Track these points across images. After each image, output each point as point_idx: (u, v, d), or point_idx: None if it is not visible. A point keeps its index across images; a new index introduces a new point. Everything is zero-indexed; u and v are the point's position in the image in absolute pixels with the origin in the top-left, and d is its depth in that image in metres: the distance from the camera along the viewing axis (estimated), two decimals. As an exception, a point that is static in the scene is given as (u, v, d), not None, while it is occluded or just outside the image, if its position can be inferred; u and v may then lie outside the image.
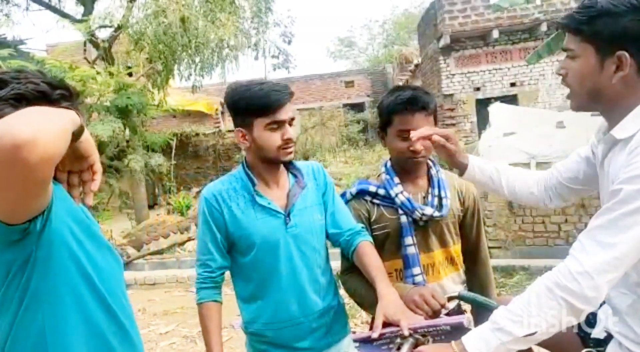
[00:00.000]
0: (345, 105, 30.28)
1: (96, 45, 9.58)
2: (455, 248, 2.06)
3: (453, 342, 1.41)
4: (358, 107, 29.97)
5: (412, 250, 1.95)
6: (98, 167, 1.24)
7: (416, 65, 20.65)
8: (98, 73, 8.33)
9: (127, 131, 8.92)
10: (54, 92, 1.23)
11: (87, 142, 1.20)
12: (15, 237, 1.13)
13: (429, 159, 2.08)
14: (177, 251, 8.95)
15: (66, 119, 1.07)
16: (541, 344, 1.83)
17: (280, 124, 1.80)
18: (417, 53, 22.17)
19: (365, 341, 1.65)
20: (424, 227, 1.99)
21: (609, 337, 1.56)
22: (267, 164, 1.87)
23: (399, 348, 1.56)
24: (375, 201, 2.01)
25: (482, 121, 12.64)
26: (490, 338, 1.36)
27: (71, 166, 1.22)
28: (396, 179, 2.01)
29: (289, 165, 1.96)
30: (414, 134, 1.80)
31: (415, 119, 1.90)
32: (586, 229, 1.36)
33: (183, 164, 16.65)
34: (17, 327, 1.19)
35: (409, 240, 1.95)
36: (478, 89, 14.71)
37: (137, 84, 9.20)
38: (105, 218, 8.98)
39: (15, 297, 1.18)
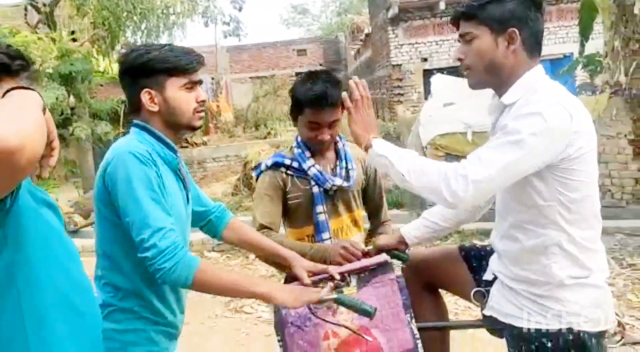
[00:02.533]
0: (297, 74, 30.20)
1: (37, 10, 9.28)
2: (359, 212, 2.32)
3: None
4: (310, 76, 30.00)
5: (322, 217, 2.17)
6: (56, 143, 1.23)
7: (367, 35, 20.79)
8: (40, 39, 8.12)
9: (72, 99, 8.75)
10: (13, 63, 1.22)
11: (49, 120, 1.19)
12: None
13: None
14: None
15: (37, 108, 1.09)
16: (443, 286, 2.12)
17: (195, 85, 1.72)
18: (368, 22, 22.27)
19: None
20: (333, 196, 2.22)
21: (495, 278, 1.84)
22: (174, 131, 1.74)
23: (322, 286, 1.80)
24: (289, 172, 2.19)
25: (429, 91, 13.01)
26: (390, 151, 1.72)
27: None
28: (307, 154, 2.19)
29: None
30: None
31: (324, 114, 2.08)
32: (480, 147, 1.64)
33: (131, 132, 16.41)
34: None
35: (320, 208, 2.16)
36: (425, 59, 15.04)
37: (81, 50, 9.00)
38: (51, 187, 8.87)
39: None
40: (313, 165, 2.17)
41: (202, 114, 1.75)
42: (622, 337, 1.88)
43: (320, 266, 1.91)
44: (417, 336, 1.91)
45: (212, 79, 25.90)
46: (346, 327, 1.80)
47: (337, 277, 1.85)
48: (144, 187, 1.55)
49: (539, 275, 1.66)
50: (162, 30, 10.60)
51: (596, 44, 9.24)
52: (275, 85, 23.58)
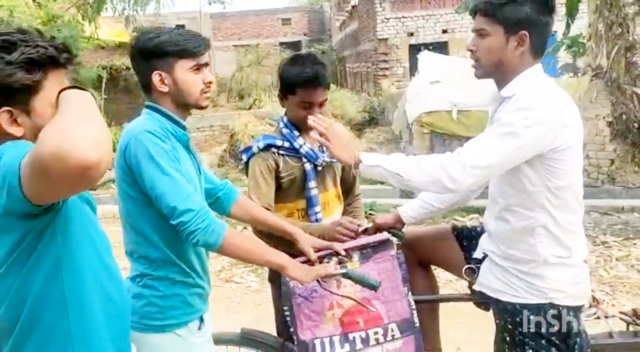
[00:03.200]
0: (281, 43, 29.95)
1: (21, -28, 9.11)
2: (339, 187, 2.48)
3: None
4: (294, 46, 29.69)
5: (315, 191, 2.30)
6: None
7: (353, 7, 20.65)
8: (26, 3, 7.99)
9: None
10: (60, 56, 1.26)
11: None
12: (35, 212, 1.18)
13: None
14: (112, 187, 9.02)
15: (99, 114, 1.13)
16: (436, 263, 2.30)
17: (202, 68, 1.81)
18: (355, -7, 22.08)
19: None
20: (322, 172, 2.34)
21: (485, 256, 2.01)
22: (183, 110, 1.84)
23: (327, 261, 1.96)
24: (281, 152, 2.28)
25: (415, 66, 13.11)
26: (379, 160, 1.85)
27: None
28: (296, 132, 2.29)
29: None
30: None
31: (316, 93, 2.20)
32: (477, 137, 1.81)
33: (114, 99, 16.17)
34: (41, 289, 1.27)
35: (312, 183, 2.29)
36: (412, 34, 15.09)
37: (66, 15, 8.87)
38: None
39: (27, 263, 1.25)
40: (304, 143, 2.28)
41: (209, 94, 1.84)
42: (597, 311, 2.08)
43: (325, 242, 2.06)
44: (414, 306, 2.09)
45: (195, 46, 25.53)
46: (351, 299, 1.97)
47: (342, 253, 2.01)
48: (166, 160, 1.66)
49: (525, 253, 1.83)
50: (150, -3, 10.50)
51: (580, 24, 9.40)
52: (259, 55, 23.37)
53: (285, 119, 2.34)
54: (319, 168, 2.32)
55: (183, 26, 28.52)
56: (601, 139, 7.08)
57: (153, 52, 1.75)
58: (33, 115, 1.25)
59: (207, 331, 1.88)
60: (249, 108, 14.92)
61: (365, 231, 2.21)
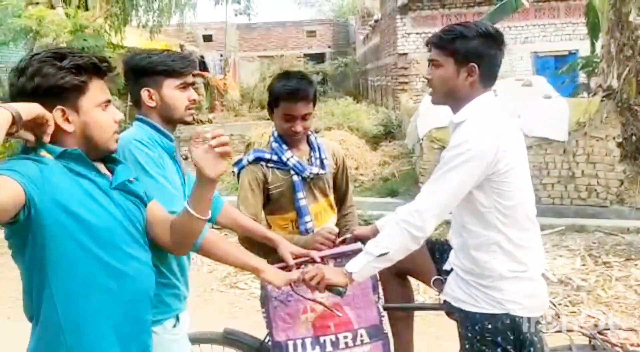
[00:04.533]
0: (306, 55, 30.24)
1: (53, -16, 9.51)
2: (332, 196, 2.61)
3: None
4: (319, 58, 30.00)
5: (303, 202, 2.42)
6: (48, 115, 1.39)
7: (376, 21, 20.85)
8: (53, 10, 8.35)
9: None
10: (102, 65, 1.48)
11: (29, 112, 1.33)
12: (10, 228, 1.41)
13: None
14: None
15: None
16: (410, 273, 2.43)
17: (188, 86, 2.00)
18: (379, 7, 22.29)
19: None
20: (310, 183, 2.46)
21: (452, 269, 2.14)
22: (169, 124, 2.02)
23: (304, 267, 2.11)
24: (269, 165, 2.41)
25: (433, 82, 13.18)
26: (361, 259, 1.99)
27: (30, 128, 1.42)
28: (285, 146, 2.41)
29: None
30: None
31: (297, 107, 2.33)
32: (427, 181, 1.96)
33: (139, 106, 16.62)
34: (38, 285, 1.45)
35: (301, 195, 2.41)
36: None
37: (94, 26, 9.22)
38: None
39: (26, 269, 1.47)
40: (292, 156, 2.42)
41: (194, 110, 2.04)
42: (558, 325, 2.19)
43: (303, 251, 2.21)
44: (383, 314, 2.23)
45: (221, 56, 26.04)
46: (320, 304, 2.11)
47: (318, 260, 2.16)
48: (152, 166, 1.85)
49: (482, 269, 1.96)
50: (174, 10, 10.83)
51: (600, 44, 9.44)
52: (283, 66, 23.67)
53: (275, 134, 2.48)
54: (307, 180, 2.44)
55: (210, 37, 29.09)
56: (611, 160, 7.09)
57: (143, 70, 1.95)
58: (81, 113, 1.46)
59: (182, 329, 2.01)
60: (269, 119, 15.13)
61: (344, 241, 2.36)
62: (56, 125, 1.43)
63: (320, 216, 2.52)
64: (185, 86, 1.99)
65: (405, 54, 15.22)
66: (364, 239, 2.36)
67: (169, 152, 1.99)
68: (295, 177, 2.42)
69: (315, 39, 32.06)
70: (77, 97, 1.45)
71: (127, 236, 1.55)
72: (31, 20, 8.02)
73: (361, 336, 2.19)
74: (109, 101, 1.53)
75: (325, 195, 2.55)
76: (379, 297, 2.25)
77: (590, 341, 2.20)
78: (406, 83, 15.32)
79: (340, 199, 2.69)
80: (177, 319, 1.98)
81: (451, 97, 2.00)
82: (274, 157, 2.42)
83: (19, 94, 1.42)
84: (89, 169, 1.50)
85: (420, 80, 15.09)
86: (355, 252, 2.21)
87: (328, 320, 2.19)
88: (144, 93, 1.95)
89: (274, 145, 2.44)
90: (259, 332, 2.47)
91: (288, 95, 2.33)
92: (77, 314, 1.47)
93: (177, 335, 1.97)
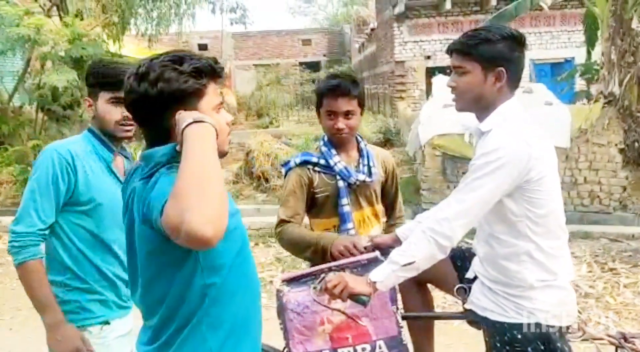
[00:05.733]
0: (301, 63, 30.33)
1: (51, -8, 9.48)
2: (379, 206, 2.56)
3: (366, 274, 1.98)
4: (314, 66, 30.04)
5: (347, 209, 2.39)
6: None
7: (372, 29, 20.92)
8: (50, 19, 8.31)
9: (81, 81, 8.96)
10: (217, 67, 1.48)
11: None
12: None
13: (357, 135, 2.54)
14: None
15: (218, 175, 1.27)
16: (431, 281, 2.38)
17: (120, 101, 1.88)
18: (374, 16, 22.39)
19: (292, 281, 2.13)
20: (356, 190, 2.42)
21: (476, 277, 2.10)
22: (106, 136, 2.03)
23: (321, 280, 2.05)
24: (316, 168, 2.40)
25: (431, 89, 13.23)
26: (386, 268, 1.93)
27: None
28: (333, 151, 2.41)
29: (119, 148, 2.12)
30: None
31: (338, 102, 2.31)
32: (455, 190, 1.92)
33: (135, 115, 16.56)
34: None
35: (345, 200, 2.39)
36: (429, 57, 15.24)
37: (91, 34, 9.18)
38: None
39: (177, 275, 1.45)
40: (339, 161, 2.40)
41: (128, 127, 2.00)
42: (584, 333, 2.14)
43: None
44: (401, 324, 2.17)
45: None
46: (342, 312, 2.06)
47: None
48: (39, 182, 1.90)
49: (512, 279, 1.92)
50: (173, 19, 10.82)
51: (598, 51, 9.50)
52: (279, 74, 23.69)
53: (325, 138, 2.47)
54: (353, 186, 2.41)
55: (205, 46, 29.12)
56: (613, 166, 7.09)
57: (87, 80, 2.02)
58: None
59: (114, 333, 2.02)
60: (266, 127, 15.10)
61: (364, 249, 2.31)
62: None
63: (364, 223, 2.49)
64: (119, 101, 1.92)
65: (403, 62, 15.27)
66: (383, 247, 2.32)
67: (105, 162, 2.02)
68: (340, 183, 2.40)
69: (310, 47, 32.15)
70: (196, 100, 1.42)
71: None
72: (29, 29, 7.96)
73: (380, 347, 2.14)
74: (221, 104, 1.51)
75: (371, 203, 2.51)
76: (397, 308, 2.19)
77: (616, 349, 2.15)
78: (404, 91, 15.36)
79: (389, 208, 2.66)
80: (107, 323, 2.00)
81: (478, 104, 1.95)
82: (322, 161, 2.42)
83: (140, 100, 1.39)
84: None
85: (418, 88, 15.14)
86: (373, 260, 2.16)
87: (346, 332, 2.13)
88: (84, 102, 2.04)
89: (323, 149, 2.44)
90: (271, 341, 2.39)
91: (329, 91, 2.34)
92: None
93: (105, 339, 1.99)
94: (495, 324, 1.97)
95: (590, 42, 9.54)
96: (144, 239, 1.40)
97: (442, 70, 12.40)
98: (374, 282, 1.93)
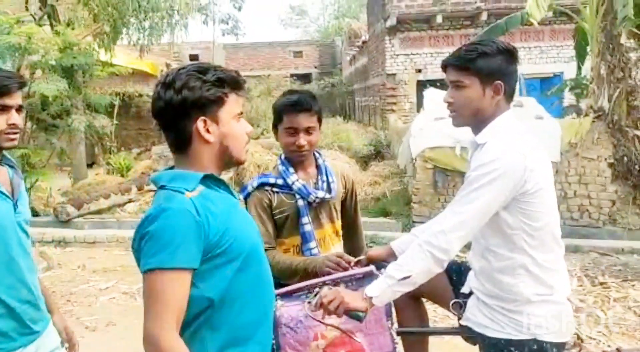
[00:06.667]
0: (292, 75, 30.37)
1: (42, 1, 9.41)
2: (339, 223, 2.51)
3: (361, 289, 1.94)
4: (305, 78, 30.10)
5: (308, 227, 2.34)
6: None
7: (364, 42, 21.03)
8: (41, 27, 8.26)
9: (71, 90, 8.90)
10: (239, 78, 1.54)
11: None
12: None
13: (316, 151, 2.47)
14: (118, 212, 9.12)
15: None
16: (425, 295, 2.35)
17: (6, 108, 1.85)
18: (366, 28, 22.51)
19: (286, 295, 2.09)
20: (316, 208, 2.37)
21: (472, 292, 2.07)
22: None
23: (315, 294, 2.01)
24: (274, 189, 2.34)
25: (422, 102, 13.29)
26: (382, 283, 1.90)
27: None
28: (291, 170, 2.34)
29: (2, 158, 1.99)
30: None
31: (300, 118, 2.26)
32: (451, 202, 1.90)
33: (125, 125, 16.49)
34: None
35: (305, 219, 2.33)
36: (420, 70, 15.33)
37: (82, 43, 9.14)
38: (44, 176, 8.98)
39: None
40: (297, 180, 2.34)
41: (13, 136, 1.90)
42: (580, 349, 2.12)
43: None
44: (396, 340, 2.14)
45: (207, 75, 25.92)
46: (337, 328, 2.02)
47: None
48: None
49: (508, 292, 1.90)
50: (165, 29, 10.80)
51: (588, 66, 9.59)
52: (270, 86, 23.67)
53: (282, 157, 2.41)
54: (313, 204, 2.36)
55: (197, 56, 29.13)
56: (602, 180, 7.14)
57: None
58: (220, 124, 1.50)
59: None
60: (257, 138, 15.07)
61: (358, 263, 2.28)
62: (198, 135, 1.48)
63: (325, 242, 2.43)
64: (2, 108, 1.85)
65: (394, 75, 15.34)
66: (378, 261, 2.30)
67: None
68: (300, 202, 2.34)
69: (301, 59, 32.23)
70: (217, 109, 1.49)
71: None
72: (20, 38, 7.90)
73: None
74: (241, 113, 1.57)
75: (332, 220, 2.46)
76: (392, 322, 2.16)
77: (612, 366, 2.15)
78: (394, 104, 15.41)
79: (348, 225, 2.58)
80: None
81: (476, 118, 1.94)
82: (279, 181, 2.35)
83: (166, 106, 1.47)
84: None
85: (409, 100, 15.20)
86: (368, 274, 2.14)
87: (340, 348, 2.09)
88: None
89: (280, 168, 2.38)
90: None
91: (290, 107, 2.29)
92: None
93: None
94: (491, 341, 1.95)
95: (580, 57, 9.64)
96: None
97: (433, 83, 12.48)
98: (370, 298, 1.89)
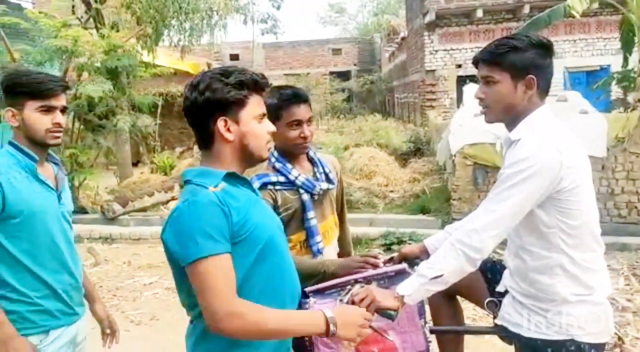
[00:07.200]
0: (331, 73, 30.42)
1: (88, 6, 9.72)
2: (336, 214, 2.50)
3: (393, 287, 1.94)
4: (344, 76, 30.10)
5: (314, 222, 2.29)
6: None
7: (402, 38, 20.86)
8: (87, 30, 8.55)
9: (116, 91, 9.17)
10: (261, 81, 1.62)
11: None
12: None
13: None
14: (162, 210, 9.34)
15: None
16: (460, 294, 2.33)
17: (51, 109, 2.01)
18: (404, 24, 22.32)
19: (318, 292, 2.10)
20: (319, 200, 2.34)
21: (507, 291, 2.04)
22: (35, 145, 2.03)
23: (348, 292, 2.02)
24: (277, 187, 2.26)
25: (462, 98, 13.09)
26: (414, 281, 1.89)
27: None
28: (289, 165, 2.28)
29: (48, 156, 2.14)
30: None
31: (302, 110, 2.24)
32: (484, 201, 1.87)
33: (168, 124, 16.85)
34: None
35: (311, 214, 2.28)
36: (460, 66, 15.11)
37: (126, 45, 9.39)
38: (92, 174, 9.29)
39: None
40: (299, 175, 2.29)
41: (58, 134, 2.05)
42: (621, 350, 2.06)
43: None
44: (429, 339, 2.12)
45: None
46: (370, 327, 2.02)
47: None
48: None
49: (545, 293, 1.86)
50: (205, 29, 10.99)
51: (635, 58, 9.26)
52: (309, 84, 23.76)
53: (276, 154, 2.33)
54: (316, 197, 2.32)
55: (237, 56, 29.51)
56: (651, 176, 6.87)
57: (7, 91, 2.02)
58: (241, 124, 1.59)
59: (58, 342, 2.05)
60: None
61: (391, 260, 2.27)
62: (219, 134, 1.58)
63: (328, 235, 2.40)
64: (49, 109, 2.01)
65: (433, 71, 15.16)
66: (411, 258, 2.29)
67: (30, 172, 2.01)
68: (305, 196, 2.29)
69: (340, 56, 32.20)
70: (238, 109, 1.58)
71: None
72: (67, 41, 8.17)
73: None
74: (264, 114, 1.65)
75: (332, 212, 2.44)
76: (425, 321, 2.14)
77: (656, 368, 2.08)
78: (434, 100, 15.24)
79: (339, 216, 2.56)
80: (47, 333, 2.01)
81: (509, 114, 1.90)
82: (281, 178, 2.28)
83: (192, 106, 1.58)
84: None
85: (449, 96, 15.00)
86: (400, 272, 2.11)
87: (372, 345, 2.08)
88: (7, 113, 2.01)
89: (277, 165, 2.30)
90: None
91: (292, 99, 2.24)
92: None
93: (46, 349, 2.01)
94: (528, 341, 1.91)
95: (627, 49, 9.30)
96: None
97: (473, 78, 12.26)
98: (402, 296, 1.89)
